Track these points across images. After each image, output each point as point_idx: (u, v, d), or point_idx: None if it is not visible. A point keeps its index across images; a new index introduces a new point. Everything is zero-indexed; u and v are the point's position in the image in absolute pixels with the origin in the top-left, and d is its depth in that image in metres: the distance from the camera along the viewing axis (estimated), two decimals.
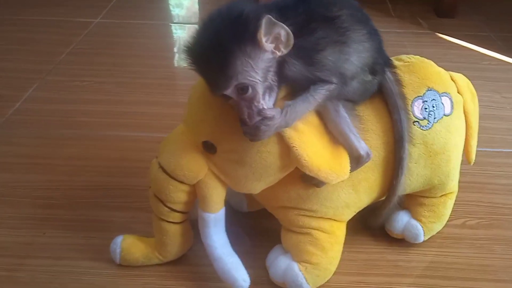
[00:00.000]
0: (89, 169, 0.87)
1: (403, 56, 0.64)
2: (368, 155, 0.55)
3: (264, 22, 0.46)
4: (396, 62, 0.63)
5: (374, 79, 0.56)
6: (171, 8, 1.69)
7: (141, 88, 1.12)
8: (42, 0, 1.61)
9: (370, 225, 0.70)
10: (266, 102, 0.50)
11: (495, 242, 0.73)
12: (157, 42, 1.39)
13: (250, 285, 0.62)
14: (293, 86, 0.52)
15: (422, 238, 0.69)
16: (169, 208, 0.60)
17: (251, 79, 0.48)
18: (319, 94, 0.51)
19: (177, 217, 0.62)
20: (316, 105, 0.52)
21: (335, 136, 0.55)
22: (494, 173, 0.88)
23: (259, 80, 0.48)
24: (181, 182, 0.58)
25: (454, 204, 0.75)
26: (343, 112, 0.53)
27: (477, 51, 1.33)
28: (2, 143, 0.94)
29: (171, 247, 0.64)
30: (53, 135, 0.96)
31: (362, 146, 0.55)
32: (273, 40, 0.48)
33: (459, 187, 0.81)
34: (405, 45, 1.37)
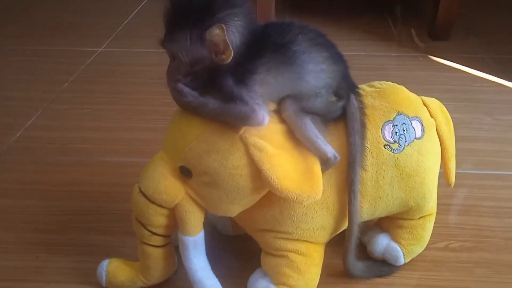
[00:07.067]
0: (83, 194, 0.90)
1: (375, 82, 0.66)
2: (335, 157, 0.57)
3: (215, 27, 0.51)
4: (367, 88, 0.65)
5: (338, 101, 0.58)
6: None
7: (138, 115, 1.16)
8: (47, 30, 1.67)
9: (345, 266, 0.67)
10: (186, 82, 0.55)
11: (477, 265, 0.72)
12: (157, 70, 1.41)
13: None
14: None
15: (402, 261, 0.70)
16: (150, 231, 0.62)
17: (180, 55, 0.54)
18: (227, 106, 0.54)
19: (158, 240, 0.64)
20: (223, 112, 0.54)
21: (302, 142, 0.57)
22: (482, 196, 0.88)
23: (186, 62, 0.55)
24: (160, 206, 0.60)
25: (438, 226, 0.76)
26: (309, 121, 0.56)
27: (470, 74, 1.34)
28: (3, 170, 0.97)
29: (154, 271, 0.66)
30: (51, 162, 1.00)
31: (328, 150, 0.57)
32: (214, 46, 0.52)
33: (444, 210, 0.82)
34: (401, 68, 1.39)
